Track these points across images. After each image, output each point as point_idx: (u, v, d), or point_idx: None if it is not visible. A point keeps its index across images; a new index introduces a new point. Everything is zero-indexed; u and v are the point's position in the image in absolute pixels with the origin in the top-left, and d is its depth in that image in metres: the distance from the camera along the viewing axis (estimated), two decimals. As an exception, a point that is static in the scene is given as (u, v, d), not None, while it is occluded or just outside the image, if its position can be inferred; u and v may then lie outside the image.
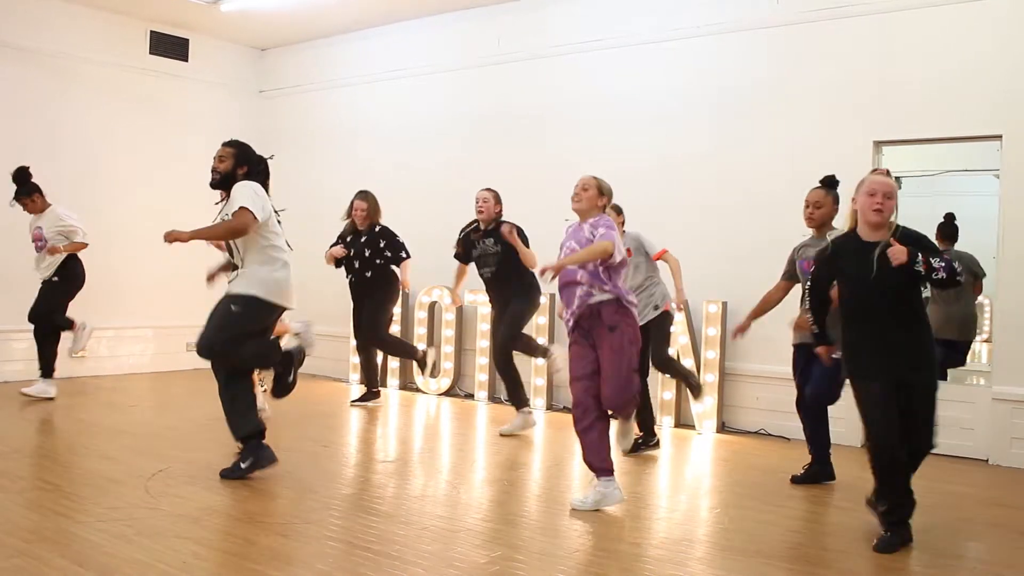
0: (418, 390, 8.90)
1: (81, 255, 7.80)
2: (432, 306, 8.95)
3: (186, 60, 10.13)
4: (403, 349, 8.01)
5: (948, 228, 7.88)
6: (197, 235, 5.04)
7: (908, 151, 7.48)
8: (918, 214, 9.05)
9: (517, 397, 6.95)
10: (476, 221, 7.13)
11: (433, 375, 8.35)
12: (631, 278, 6.12)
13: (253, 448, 5.18)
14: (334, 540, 4.13)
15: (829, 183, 5.39)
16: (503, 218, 7.04)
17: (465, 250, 7.23)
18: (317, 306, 9.44)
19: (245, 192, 5.07)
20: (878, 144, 6.83)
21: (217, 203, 5.35)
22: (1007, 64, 6.32)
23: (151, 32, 9.79)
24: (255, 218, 5.01)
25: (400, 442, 6.83)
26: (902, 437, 4.18)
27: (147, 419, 7.18)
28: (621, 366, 4.73)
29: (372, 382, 8.07)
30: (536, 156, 8.48)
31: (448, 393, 8.73)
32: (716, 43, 7.57)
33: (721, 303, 7.26)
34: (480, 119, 8.99)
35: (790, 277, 5.60)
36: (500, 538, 4.26)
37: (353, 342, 8.40)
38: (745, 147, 7.36)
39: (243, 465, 5.14)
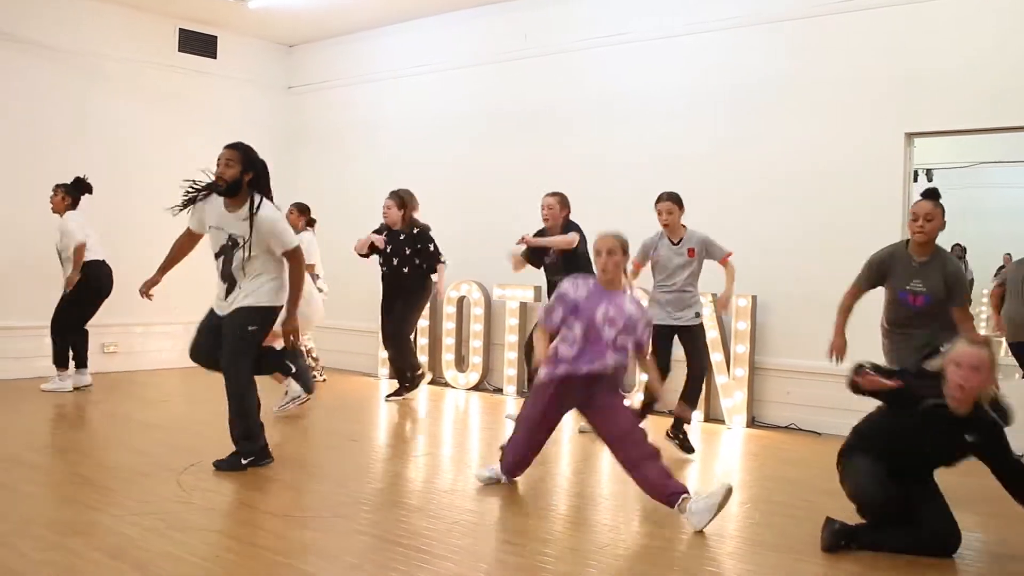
0: (447, 384, 8.91)
1: (112, 251, 7.93)
2: (460, 301, 8.95)
3: (214, 57, 10.18)
4: (409, 361, 8.06)
5: None
6: (294, 305, 5.22)
7: (940, 142, 7.39)
8: (949, 207, 8.89)
9: None
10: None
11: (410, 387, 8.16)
12: (682, 280, 6.07)
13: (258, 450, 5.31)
14: (364, 534, 4.15)
15: (934, 194, 4.96)
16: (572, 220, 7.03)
17: (534, 255, 7.23)
18: (345, 301, 9.49)
19: (284, 226, 5.18)
20: (910, 136, 6.75)
21: (174, 207, 5.29)
22: (1042, 53, 6.23)
23: (180, 29, 9.85)
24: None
25: (429, 436, 6.84)
26: None
27: (178, 414, 7.24)
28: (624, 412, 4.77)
29: (403, 376, 8.09)
30: (561, 151, 8.45)
31: (477, 388, 8.73)
32: (742, 35, 7.50)
33: (751, 297, 7.21)
34: (508, 113, 8.97)
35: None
36: (530, 532, 4.26)
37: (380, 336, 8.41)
38: (774, 139, 7.30)
39: (244, 461, 5.21)
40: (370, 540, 4.07)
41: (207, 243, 5.34)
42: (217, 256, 5.19)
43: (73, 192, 7.88)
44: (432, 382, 9.03)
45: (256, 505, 4.60)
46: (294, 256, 5.18)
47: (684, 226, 6.16)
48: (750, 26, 7.45)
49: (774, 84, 7.32)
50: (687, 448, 6.05)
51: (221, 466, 5.17)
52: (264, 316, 5.18)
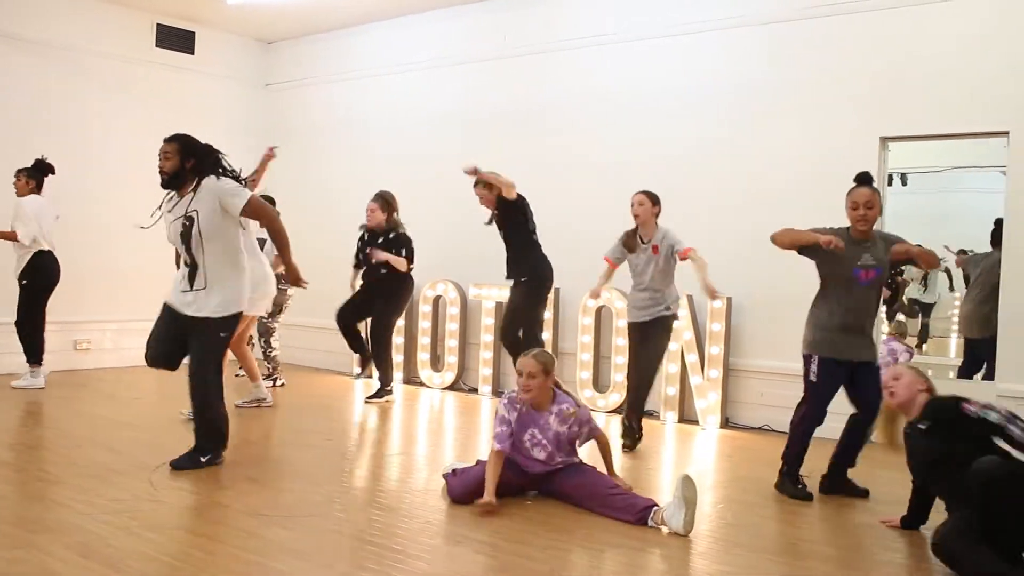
0: (422, 384, 8.89)
1: (87, 248, 7.82)
2: (436, 300, 8.94)
3: (192, 53, 10.12)
4: (385, 369, 7.95)
5: (1000, 233, 7.75)
6: (287, 257, 5.25)
7: (915, 147, 7.46)
8: (923, 211, 9.01)
9: None
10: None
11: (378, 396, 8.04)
12: (649, 278, 6.19)
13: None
14: (337, 533, 4.14)
15: (869, 179, 5.12)
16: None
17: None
18: (318, 299, 9.44)
19: (231, 185, 5.10)
20: (884, 140, 6.81)
21: (156, 212, 5.30)
22: (1015, 60, 6.28)
23: (157, 25, 9.78)
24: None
25: (404, 436, 6.83)
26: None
27: (150, 412, 7.19)
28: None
29: (377, 375, 8.07)
30: (543, 151, 8.45)
31: (452, 387, 8.72)
32: (723, 39, 7.54)
33: (726, 299, 7.24)
34: (487, 114, 8.97)
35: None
36: (503, 532, 4.26)
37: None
38: (750, 143, 7.34)
39: (203, 459, 5.22)
40: (343, 539, 4.06)
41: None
42: (181, 244, 5.13)
43: (36, 175, 7.78)
44: (407, 381, 9.02)
45: (229, 504, 4.58)
46: (255, 210, 5.13)
47: (657, 225, 6.25)
48: (728, 29, 7.49)
49: (751, 87, 7.36)
50: (629, 442, 6.19)
51: (179, 465, 5.15)
52: (233, 322, 5.21)
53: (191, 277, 5.11)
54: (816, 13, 7.05)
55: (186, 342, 5.17)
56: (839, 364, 5.04)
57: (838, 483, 5.17)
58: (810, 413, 5.07)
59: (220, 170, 5.15)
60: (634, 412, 6.29)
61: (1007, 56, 6.32)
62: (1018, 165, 6.31)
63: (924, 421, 4.18)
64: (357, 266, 8.01)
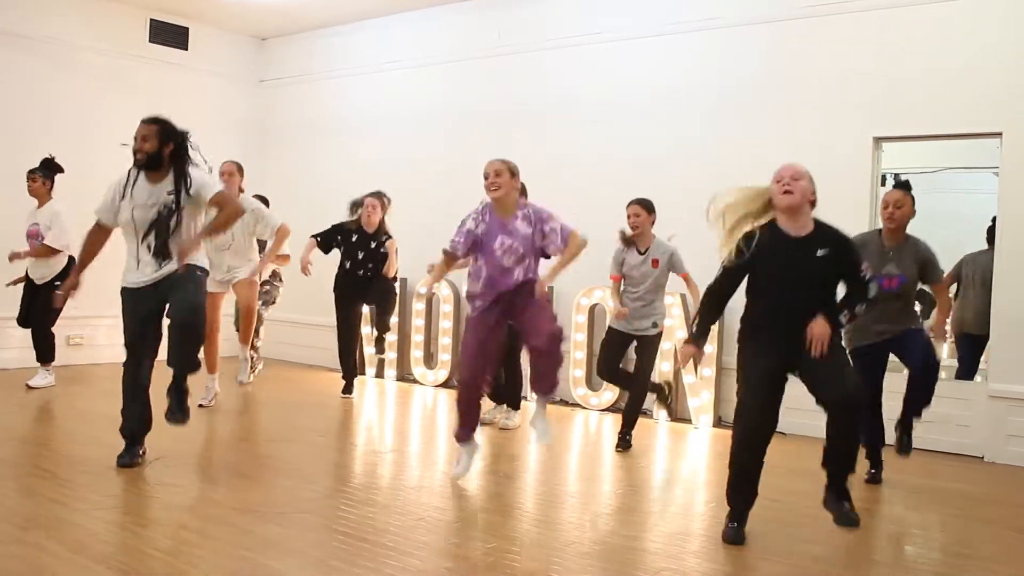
0: (416, 381, 8.89)
1: (79, 244, 7.81)
2: (430, 298, 8.93)
3: (186, 49, 10.09)
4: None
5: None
6: (207, 233, 5.11)
7: (908, 147, 7.48)
8: (919, 209, 9.01)
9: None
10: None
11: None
12: (645, 288, 6.13)
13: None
14: (330, 530, 4.14)
15: (905, 185, 5.34)
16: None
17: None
18: (309, 296, 9.44)
19: (208, 177, 5.18)
20: (878, 140, 6.82)
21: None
22: (1008, 61, 6.31)
23: (151, 20, 9.75)
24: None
25: (397, 433, 6.83)
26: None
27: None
28: (548, 311, 5.10)
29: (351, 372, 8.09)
30: (536, 149, 8.44)
31: (445, 385, 8.72)
32: (716, 37, 7.55)
33: (719, 297, 7.25)
34: (480, 111, 8.97)
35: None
36: (496, 529, 4.27)
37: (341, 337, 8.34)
38: (744, 142, 7.34)
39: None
40: (336, 536, 4.06)
41: None
42: (148, 232, 5.05)
43: (49, 174, 7.71)
44: (401, 379, 9.01)
45: (221, 500, 4.57)
46: (223, 199, 5.14)
47: (653, 235, 6.18)
48: (722, 29, 7.50)
49: (745, 87, 7.37)
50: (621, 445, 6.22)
51: (176, 417, 5.12)
52: (205, 275, 5.22)
53: (161, 265, 5.06)
54: (810, 13, 7.06)
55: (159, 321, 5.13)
56: None
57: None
58: None
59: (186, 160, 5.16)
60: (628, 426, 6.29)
61: (1000, 58, 6.33)
62: (1010, 166, 6.34)
63: (823, 247, 4.33)
64: (325, 250, 7.90)
